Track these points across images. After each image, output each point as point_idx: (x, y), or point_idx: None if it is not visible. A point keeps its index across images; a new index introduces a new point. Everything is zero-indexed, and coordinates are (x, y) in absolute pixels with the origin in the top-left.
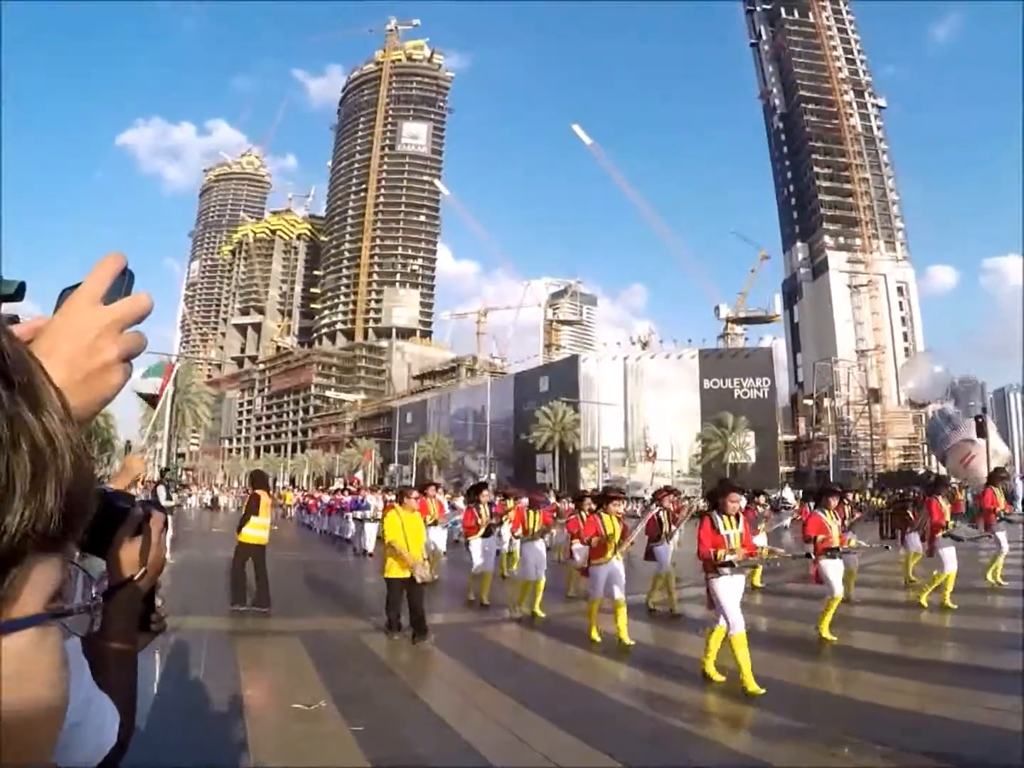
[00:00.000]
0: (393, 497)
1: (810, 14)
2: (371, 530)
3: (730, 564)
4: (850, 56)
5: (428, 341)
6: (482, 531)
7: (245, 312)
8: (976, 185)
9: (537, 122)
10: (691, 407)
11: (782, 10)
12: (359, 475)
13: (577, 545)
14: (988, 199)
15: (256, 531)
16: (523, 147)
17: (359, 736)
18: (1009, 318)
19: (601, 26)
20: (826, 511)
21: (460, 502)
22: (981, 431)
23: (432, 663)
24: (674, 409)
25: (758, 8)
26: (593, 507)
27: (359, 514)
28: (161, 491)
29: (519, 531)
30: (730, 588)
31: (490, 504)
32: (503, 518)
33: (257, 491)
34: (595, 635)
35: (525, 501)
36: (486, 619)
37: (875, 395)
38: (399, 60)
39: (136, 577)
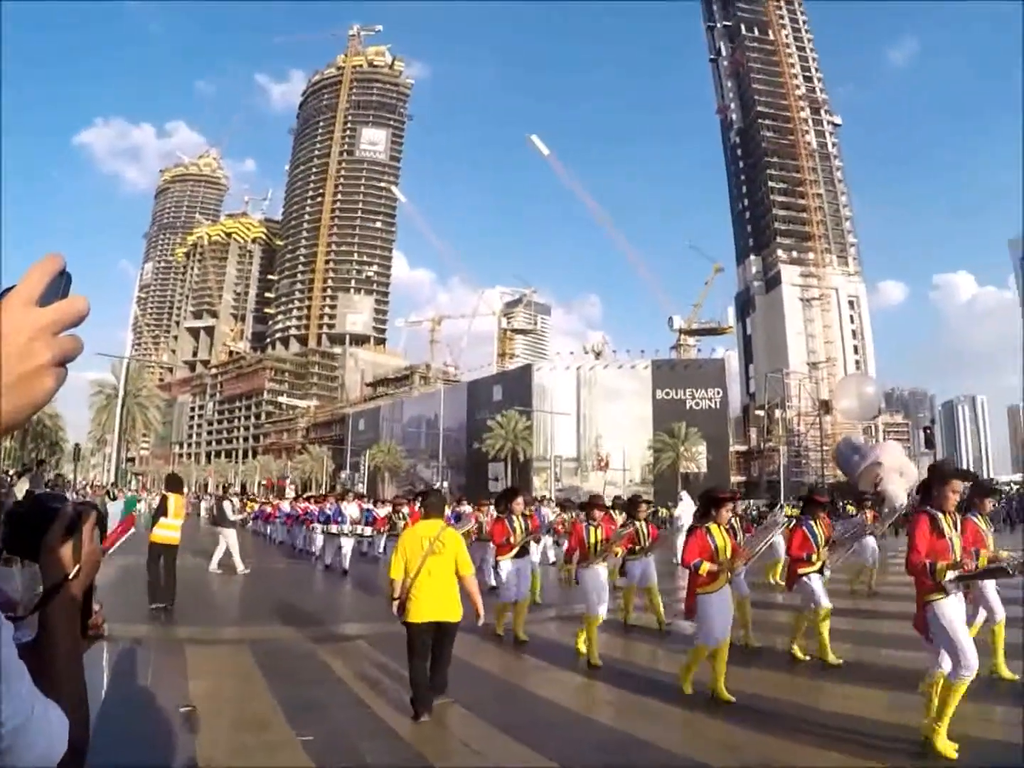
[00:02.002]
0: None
1: (770, 32)
2: (347, 546)
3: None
4: (807, 74)
5: (382, 348)
6: (516, 550)
7: (198, 315)
8: (927, 204)
9: (496, 132)
10: (644, 417)
11: (742, 27)
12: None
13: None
14: (939, 218)
15: (166, 531)
16: (481, 157)
17: (308, 746)
18: (957, 333)
19: (562, 39)
20: (815, 522)
21: (466, 507)
22: (929, 443)
23: (383, 672)
24: (627, 419)
25: (718, 25)
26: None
27: (334, 528)
28: (227, 506)
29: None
30: (715, 603)
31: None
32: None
33: (168, 493)
34: (596, 660)
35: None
36: None
37: (826, 406)
38: (360, 65)
39: (71, 576)
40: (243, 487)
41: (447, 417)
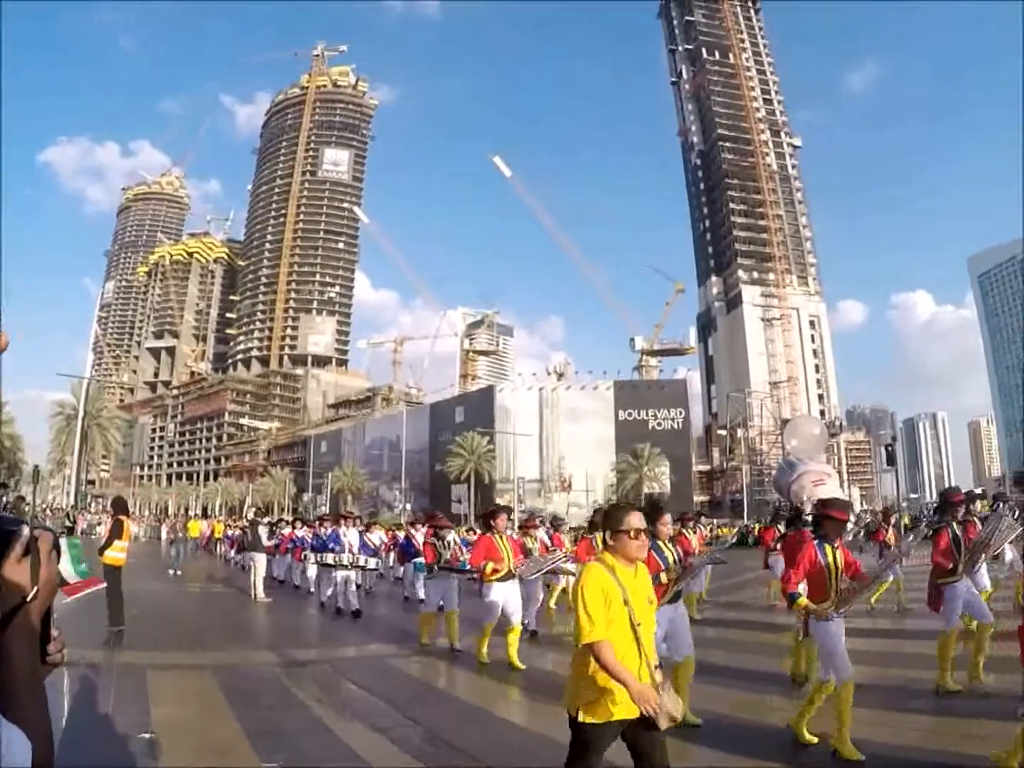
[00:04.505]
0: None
1: (730, 55)
2: (349, 580)
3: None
4: (767, 97)
5: (344, 370)
6: (503, 573)
7: (159, 336)
8: (886, 225)
9: (460, 154)
10: (606, 438)
11: (703, 51)
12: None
13: None
14: (897, 239)
15: (118, 553)
16: (445, 179)
17: None
18: (917, 351)
19: (528, 60)
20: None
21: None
22: (891, 460)
23: (345, 696)
24: (589, 440)
25: (680, 48)
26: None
27: (330, 557)
28: (262, 531)
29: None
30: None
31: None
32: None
33: (119, 516)
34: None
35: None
36: (400, 651)
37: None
38: (324, 86)
39: (28, 598)
40: (204, 510)
41: (410, 439)
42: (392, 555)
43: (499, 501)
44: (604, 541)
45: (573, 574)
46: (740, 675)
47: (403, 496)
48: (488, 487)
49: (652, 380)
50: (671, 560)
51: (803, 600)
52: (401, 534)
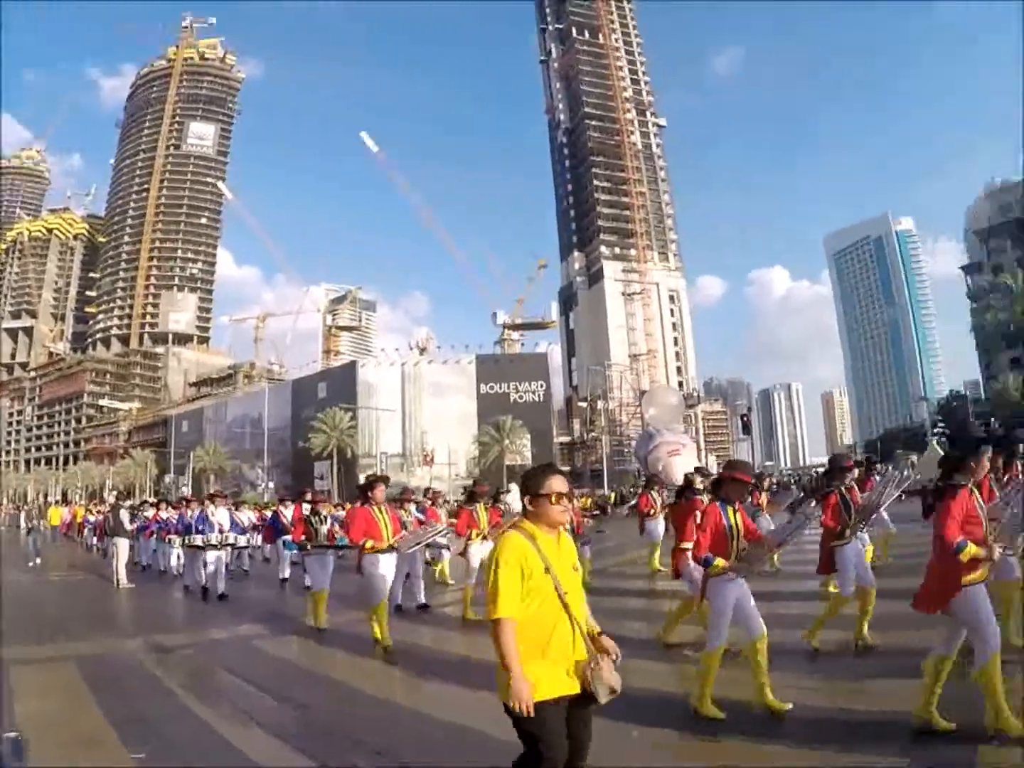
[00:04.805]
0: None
1: (600, 36)
2: (219, 561)
3: None
4: (635, 77)
5: (206, 347)
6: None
7: (16, 315)
8: (745, 204)
9: (329, 131)
10: (468, 412)
11: (573, 30)
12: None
13: None
14: (755, 218)
15: None
16: (311, 154)
17: (141, 763)
18: (773, 325)
19: (398, 35)
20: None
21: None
22: (746, 429)
23: (214, 681)
24: (451, 414)
25: (551, 27)
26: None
27: (199, 539)
28: (124, 515)
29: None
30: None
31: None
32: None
33: None
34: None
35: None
36: (268, 632)
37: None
38: (191, 58)
39: None
40: (64, 495)
41: (272, 416)
42: (259, 534)
43: (361, 477)
44: (524, 507)
45: (448, 548)
46: (628, 644)
47: (266, 475)
48: (351, 463)
49: (514, 354)
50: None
51: (720, 561)
52: (269, 512)
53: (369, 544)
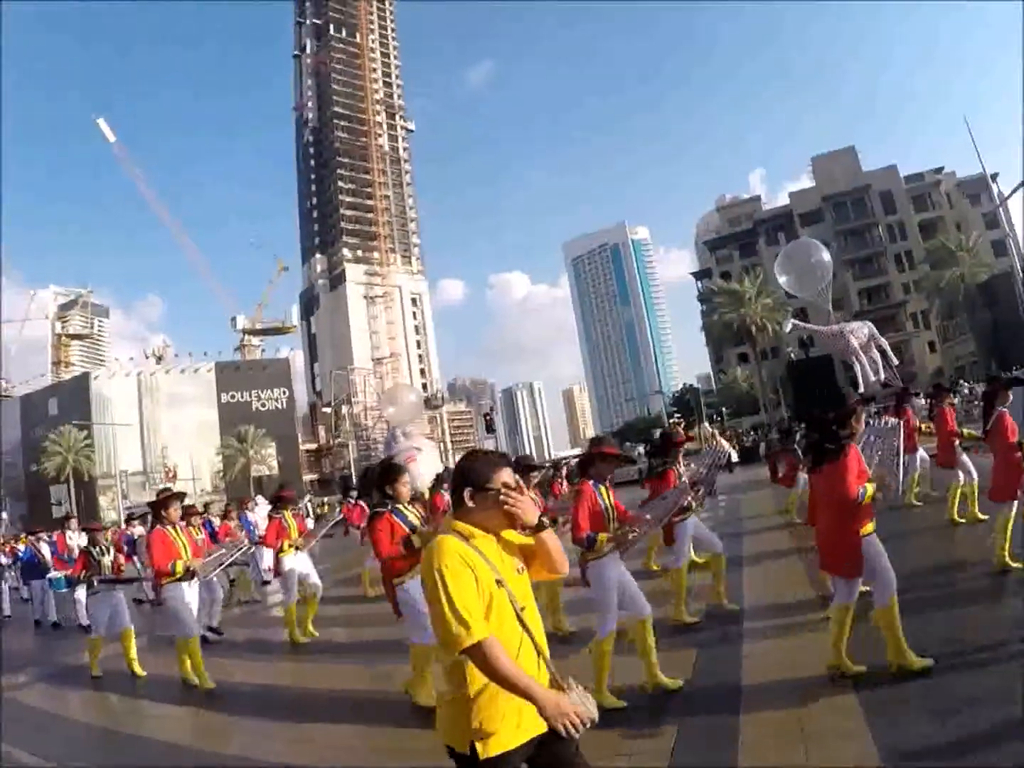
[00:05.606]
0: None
1: (357, 35)
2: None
3: None
4: (388, 80)
5: None
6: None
7: None
8: (487, 212)
9: (60, 116)
10: (209, 422)
11: (331, 27)
12: None
13: None
14: (497, 222)
15: None
16: (42, 144)
17: None
18: (513, 326)
19: (140, 22)
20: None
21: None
22: (490, 428)
23: None
24: (192, 425)
25: (308, 21)
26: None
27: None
28: None
29: None
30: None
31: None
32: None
33: None
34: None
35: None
36: (28, 681)
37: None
38: None
39: None
40: None
41: None
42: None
43: (101, 499)
44: (455, 504)
45: (247, 564)
46: None
47: None
48: (89, 484)
49: (254, 360)
50: (417, 523)
51: (604, 536)
52: (21, 547)
53: (179, 567)
